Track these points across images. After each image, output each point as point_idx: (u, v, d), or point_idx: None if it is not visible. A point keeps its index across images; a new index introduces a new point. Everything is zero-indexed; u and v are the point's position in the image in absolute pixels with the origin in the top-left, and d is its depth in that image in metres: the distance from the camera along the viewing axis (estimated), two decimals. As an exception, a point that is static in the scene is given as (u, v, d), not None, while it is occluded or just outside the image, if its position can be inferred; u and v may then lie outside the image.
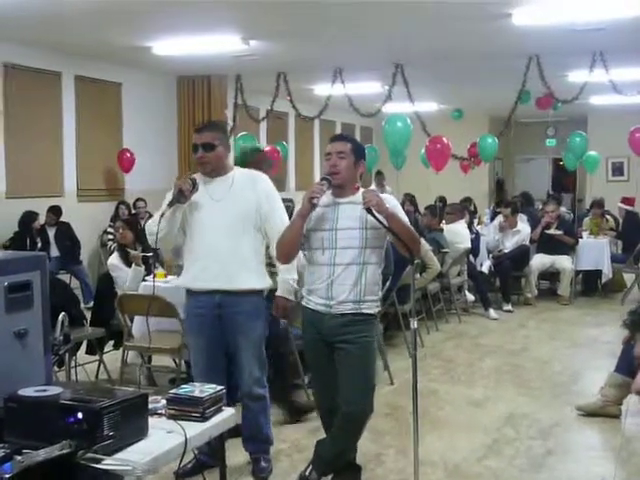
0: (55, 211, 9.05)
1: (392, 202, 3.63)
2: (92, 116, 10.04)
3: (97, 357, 5.69)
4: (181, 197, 3.72)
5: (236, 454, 4.12)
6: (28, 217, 8.73)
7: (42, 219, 8.97)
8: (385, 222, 3.41)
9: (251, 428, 4.03)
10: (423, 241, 7.33)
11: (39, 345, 2.54)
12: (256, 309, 3.90)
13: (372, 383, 3.68)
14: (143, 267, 5.73)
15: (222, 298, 3.83)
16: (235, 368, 4.06)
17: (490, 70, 10.66)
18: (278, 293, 3.98)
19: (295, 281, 4.00)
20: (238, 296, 3.83)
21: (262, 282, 3.92)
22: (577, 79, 10.11)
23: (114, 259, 5.90)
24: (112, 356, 5.92)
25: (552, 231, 9.36)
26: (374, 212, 3.39)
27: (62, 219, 9.13)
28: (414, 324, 3.41)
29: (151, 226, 3.84)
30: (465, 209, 9.56)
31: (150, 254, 5.71)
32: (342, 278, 3.53)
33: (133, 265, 5.73)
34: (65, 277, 8.68)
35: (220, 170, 3.89)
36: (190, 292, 3.95)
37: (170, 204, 3.74)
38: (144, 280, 5.65)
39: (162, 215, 3.74)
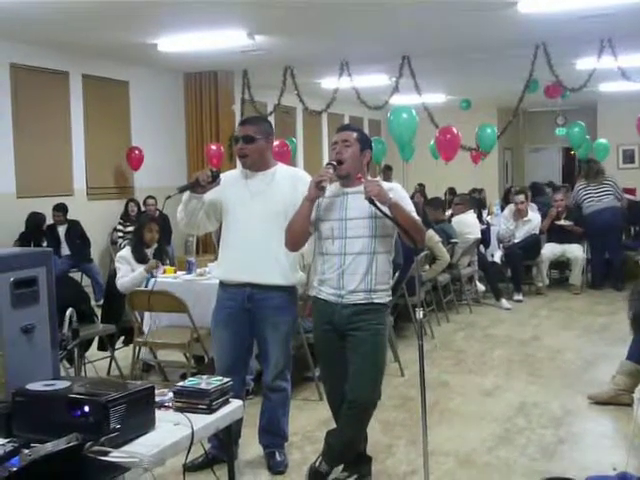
0: (61, 208, 9.02)
1: (399, 192, 3.61)
2: (100, 115, 10.09)
3: (108, 353, 5.72)
4: (197, 187, 3.70)
5: (249, 449, 4.14)
6: (35, 219, 8.72)
7: (49, 218, 8.99)
8: (387, 212, 3.41)
9: (268, 420, 4.04)
10: (433, 232, 7.32)
11: (46, 340, 2.55)
12: (286, 304, 3.90)
13: (381, 370, 3.67)
14: (149, 276, 5.68)
15: (252, 291, 3.83)
16: (261, 360, 4.09)
17: (497, 60, 10.61)
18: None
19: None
20: (268, 290, 3.82)
21: (292, 278, 3.91)
22: (585, 66, 10.06)
23: (125, 252, 5.89)
24: (123, 353, 5.95)
25: (562, 222, 9.32)
26: (376, 202, 3.38)
27: (72, 217, 9.15)
28: (419, 314, 3.42)
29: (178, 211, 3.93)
30: (473, 199, 9.53)
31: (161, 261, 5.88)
32: (353, 267, 3.52)
33: (143, 269, 5.70)
34: (76, 275, 8.72)
35: (260, 164, 3.87)
36: (222, 284, 3.97)
37: (181, 190, 3.74)
38: (153, 276, 5.66)
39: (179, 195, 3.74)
